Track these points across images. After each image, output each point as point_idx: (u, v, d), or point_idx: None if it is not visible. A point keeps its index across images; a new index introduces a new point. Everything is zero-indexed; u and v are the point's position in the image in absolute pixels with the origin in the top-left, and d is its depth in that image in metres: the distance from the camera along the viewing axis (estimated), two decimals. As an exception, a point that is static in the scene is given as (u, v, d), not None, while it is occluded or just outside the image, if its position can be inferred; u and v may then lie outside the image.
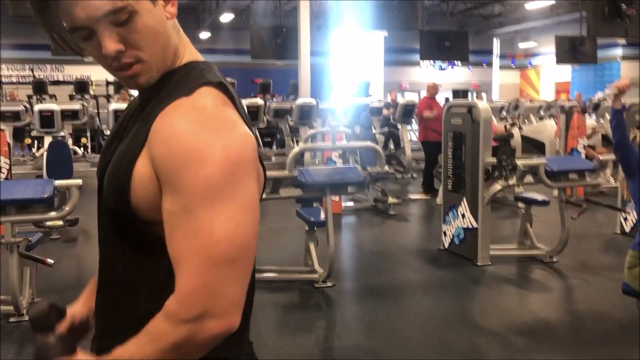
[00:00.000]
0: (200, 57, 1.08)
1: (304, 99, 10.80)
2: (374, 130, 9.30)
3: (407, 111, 9.49)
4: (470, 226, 5.22)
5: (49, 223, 5.75)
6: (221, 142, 0.90)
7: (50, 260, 3.85)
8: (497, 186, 5.12)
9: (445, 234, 5.61)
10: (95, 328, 1.10)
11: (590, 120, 9.83)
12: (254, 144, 0.96)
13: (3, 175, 5.72)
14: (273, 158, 10.86)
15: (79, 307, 1.16)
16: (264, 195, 4.34)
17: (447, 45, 14.61)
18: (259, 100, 10.71)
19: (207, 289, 0.89)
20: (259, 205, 1.00)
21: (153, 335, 0.91)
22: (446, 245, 5.60)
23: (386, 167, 4.72)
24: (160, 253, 0.95)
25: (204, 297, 0.89)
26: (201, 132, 0.91)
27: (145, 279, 0.99)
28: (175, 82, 1.01)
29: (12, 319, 3.88)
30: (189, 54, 1.07)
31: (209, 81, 1.00)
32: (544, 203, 5.37)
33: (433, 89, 8.71)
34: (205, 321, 0.88)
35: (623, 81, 3.23)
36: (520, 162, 4.96)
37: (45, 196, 3.72)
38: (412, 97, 13.73)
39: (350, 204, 7.98)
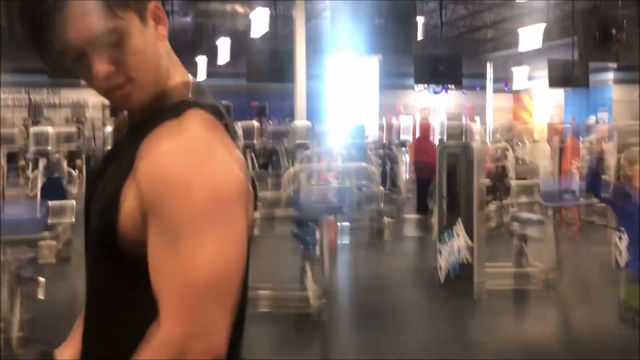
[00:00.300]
0: (190, 78, 1.07)
1: (300, 121, 10.88)
2: (369, 152, 9.32)
3: (401, 143, 9.65)
4: (466, 246, 5.21)
5: (41, 244, 5.72)
6: (208, 170, 0.89)
7: (41, 279, 3.83)
8: (492, 206, 5.13)
9: (440, 253, 5.59)
10: (81, 355, 1.07)
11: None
12: (242, 170, 0.95)
13: (-3, 197, 5.70)
14: (269, 180, 10.85)
15: (69, 352, 1.14)
16: (259, 216, 4.35)
17: (440, 69, 14.76)
18: (254, 123, 10.77)
19: (190, 321, 0.87)
20: (253, 227, 1.00)
21: None
22: (442, 265, 5.58)
23: (381, 188, 4.73)
24: (147, 283, 0.94)
25: (188, 329, 0.87)
26: (188, 158, 0.89)
27: (132, 308, 0.97)
28: (165, 104, 1.00)
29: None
30: (180, 74, 1.06)
31: (199, 103, 0.98)
32: (538, 223, 5.38)
33: (425, 112, 8.86)
34: (191, 349, 0.86)
35: (606, 126, 3.43)
36: (514, 183, 4.98)
37: (38, 217, 3.72)
38: (406, 121, 13.81)
39: (345, 224, 7.96)
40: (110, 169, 1.00)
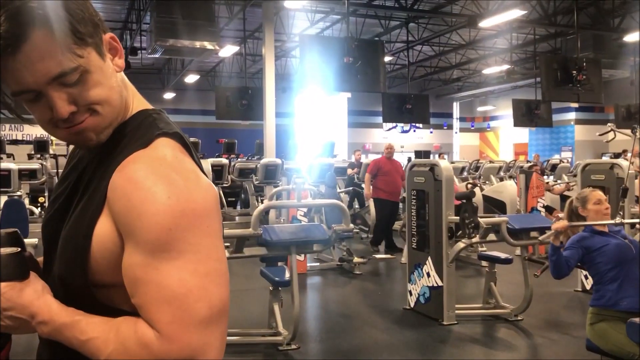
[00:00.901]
0: (148, 105, 1.07)
1: (269, 158, 10.87)
2: (338, 190, 9.35)
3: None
4: (435, 284, 5.20)
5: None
6: (184, 194, 0.89)
7: None
8: (461, 244, 5.14)
9: (410, 293, 5.57)
10: None
11: (548, 180, 10.12)
12: (216, 194, 0.96)
13: (-46, 236, 5.49)
14: (237, 218, 10.75)
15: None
16: (228, 254, 4.26)
17: (408, 107, 15.03)
18: (223, 160, 10.72)
19: (187, 345, 0.86)
20: None
21: (122, 345, 0.88)
22: (412, 304, 5.55)
23: (351, 225, 4.70)
24: (108, 311, 0.93)
25: (183, 351, 0.86)
26: (162, 183, 0.89)
27: None
28: (129, 135, 0.99)
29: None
30: (138, 103, 1.06)
31: (165, 131, 0.98)
32: (507, 261, 5.41)
33: (390, 149, 9.00)
34: None
35: (561, 223, 3.42)
36: (482, 220, 5.01)
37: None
38: (375, 158, 14.00)
39: (316, 263, 7.91)
40: (80, 205, 0.98)
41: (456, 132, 26.84)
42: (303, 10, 14.09)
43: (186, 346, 0.85)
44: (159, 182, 0.89)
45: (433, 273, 5.23)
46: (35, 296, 0.93)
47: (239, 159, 13.00)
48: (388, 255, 8.58)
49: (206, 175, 0.99)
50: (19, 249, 0.96)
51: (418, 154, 17.23)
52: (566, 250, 3.35)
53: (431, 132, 25.34)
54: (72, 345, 0.91)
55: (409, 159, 12.51)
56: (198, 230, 0.89)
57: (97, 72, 0.94)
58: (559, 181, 11.67)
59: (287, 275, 4.54)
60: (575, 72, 11.79)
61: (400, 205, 8.81)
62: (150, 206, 0.87)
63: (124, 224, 0.89)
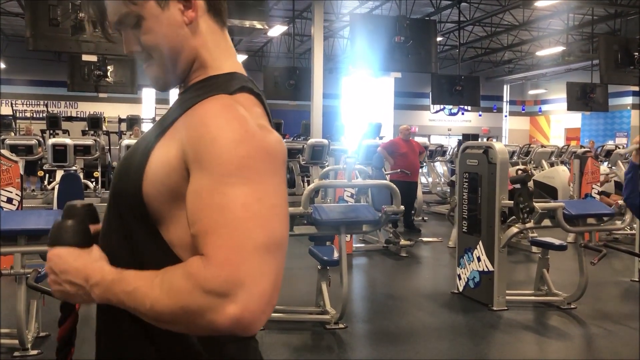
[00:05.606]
0: (243, 72, 1.09)
1: (316, 139, 10.86)
2: (385, 171, 9.26)
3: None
4: (486, 269, 5.11)
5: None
6: (259, 134, 0.91)
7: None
8: (514, 229, 5.03)
9: (459, 277, 5.49)
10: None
11: (603, 167, 9.77)
12: (285, 150, 0.97)
13: (14, 207, 5.69)
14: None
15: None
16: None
17: (458, 89, 14.72)
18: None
19: (238, 270, 0.83)
20: None
21: (167, 284, 0.86)
22: (461, 288, 5.48)
23: (402, 207, 4.65)
24: (163, 252, 0.95)
25: (232, 276, 0.83)
26: (240, 120, 0.91)
27: (145, 254, 0.98)
28: (218, 84, 1.01)
29: (16, 354, 3.77)
30: (232, 65, 1.08)
31: (253, 90, 1.02)
32: (561, 248, 5.26)
33: (406, 131, 8.90)
34: (226, 303, 0.82)
35: None
36: (538, 205, 4.87)
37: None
38: (422, 140, 13.79)
39: (361, 245, 7.89)
40: (148, 132, 1.04)
41: (506, 116, 26.24)
42: (352, -11, 13.93)
43: (237, 271, 0.83)
44: (238, 117, 0.91)
45: (484, 257, 5.13)
46: (90, 261, 0.96)
47: (285, 139, 13.04)
48: (435, 239, 8.49)
49: None
50: (81, 219, 1.00)
51: (466, 137, 16.90)
52: None
53: (480, 115, 24.84)
54: (123, 303, 0.90)
55: (459, 142, 12.28)
56: (269, 167, 0.90)
57: (151, 19, 1.00)
58: (614, 167, 11.26)
59: (336, 254, 4.53)
60: (637, 53, 11.31)
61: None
62: (226, 133, 0.88)
63: (195, 151, 0.90)
